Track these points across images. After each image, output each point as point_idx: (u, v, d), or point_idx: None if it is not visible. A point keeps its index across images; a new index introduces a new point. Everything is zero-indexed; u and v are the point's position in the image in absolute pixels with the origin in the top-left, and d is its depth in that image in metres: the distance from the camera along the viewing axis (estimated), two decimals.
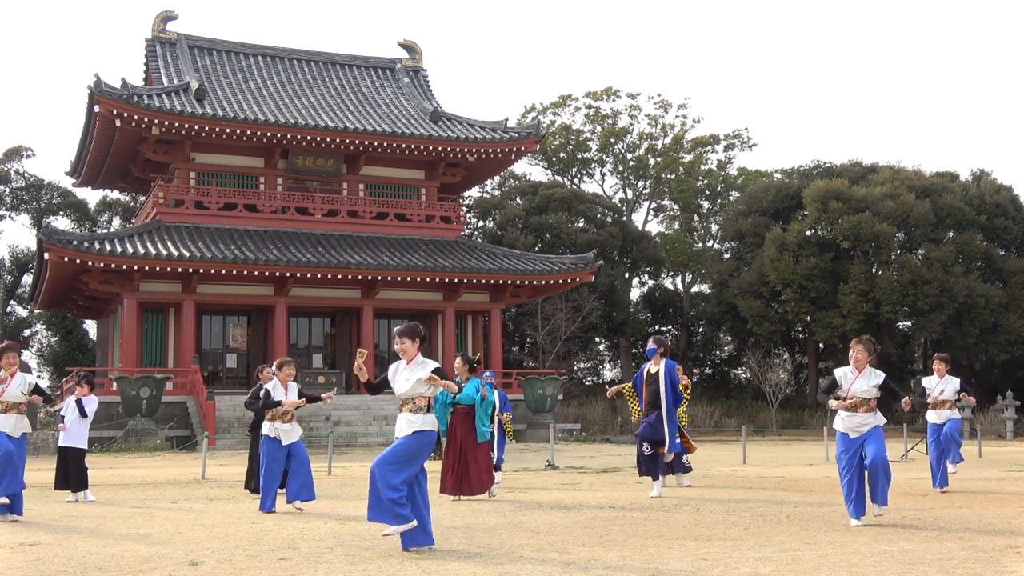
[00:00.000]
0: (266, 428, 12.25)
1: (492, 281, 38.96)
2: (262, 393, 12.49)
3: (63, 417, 14.47)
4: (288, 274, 35.98)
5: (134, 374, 33.03)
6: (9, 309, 54.70)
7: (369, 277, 37.01)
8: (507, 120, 42.30)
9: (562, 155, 61.50)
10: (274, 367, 12.68)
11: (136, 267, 34.27)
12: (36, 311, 51.04)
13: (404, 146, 39.08)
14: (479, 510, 11.85)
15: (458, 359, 13.86)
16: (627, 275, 56.08)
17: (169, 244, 35.34)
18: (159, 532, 9.99)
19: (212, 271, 35.06)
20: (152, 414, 31.91)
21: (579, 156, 61.81)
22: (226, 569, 7.53)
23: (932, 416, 14.69)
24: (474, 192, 54.21)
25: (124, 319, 36.12)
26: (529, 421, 35.86)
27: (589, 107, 61.48)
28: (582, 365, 57.07)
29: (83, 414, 14.26)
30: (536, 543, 8.84)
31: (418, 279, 37.44)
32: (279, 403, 12.19)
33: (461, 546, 8.66)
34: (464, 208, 45.04)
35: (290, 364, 12.59)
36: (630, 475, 17.69)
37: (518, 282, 39.53)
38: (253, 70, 42.71)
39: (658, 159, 61.36)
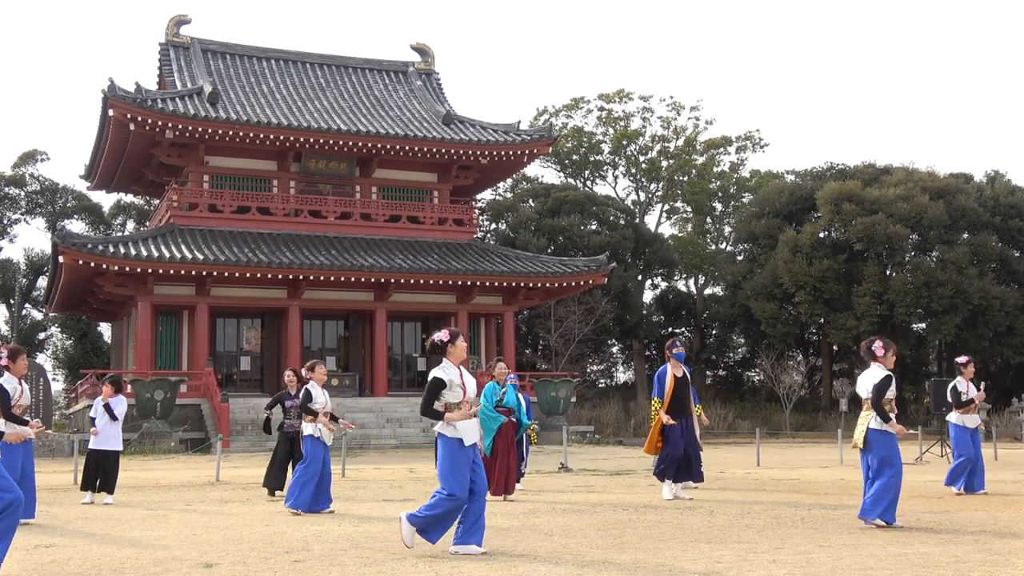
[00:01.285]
0: (309, 428, 12.49)
1: (505, 284, 38.98)
2: (302, 394, 12.78)
3: (93, 420, 14.40)
4: (301, 277, 36.06)
5: (148, 377, 33.14)
6: (24, 312, 54.96)
7: (382, 280, 37.03)
8: (519, 123, 42.31)
9: (574, 157, 61.45)
10: (304, 370, 12.91)
11: (150, 270, 34.40)
12: (51, 314, 51.29)
13: (416, 149, 39.13)
14: (492, 512, 11.83)
15: (501, 364, 14.26)
16: (640, 277, 56.00)
17: (183, 247, 35.46)
18: (173, 534, 10.03)
19: (226, 274, 35.16)
20: (166, 416, 32.01)
21: (591, 158, 61.76)
22: (240, 571, 7.55)
23: (958, 418, 14.60)
24: (487, 195, 54.26)
25: (138, 322, 36.25)
26: (542, 423, 35.85)
27: (601, 109, 61.45)
28: (595, 367, 57.02)
29: (112, 417, 14.27)
30: (549, 545, 8.84)
31: (431, 282, 37.49)
32: (312, 409, 12.44)
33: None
34: (477, 211, 45.08)
35: (321, 364, 12.89)
36: (643, 477, 17.67)
37: (531, 284, 39.54)
38: (266, 73, 42.81)
39: (671, 161, 61.25)
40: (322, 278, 36.17)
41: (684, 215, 64.19)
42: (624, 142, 60.77)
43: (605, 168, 62.72)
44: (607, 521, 10.79)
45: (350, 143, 38.44)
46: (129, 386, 32.90)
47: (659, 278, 59.15)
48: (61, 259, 33.62)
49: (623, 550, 8.53)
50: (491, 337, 41.75)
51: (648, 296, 58.53)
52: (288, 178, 39.61)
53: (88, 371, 39.03)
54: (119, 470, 14.47)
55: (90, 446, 14.36)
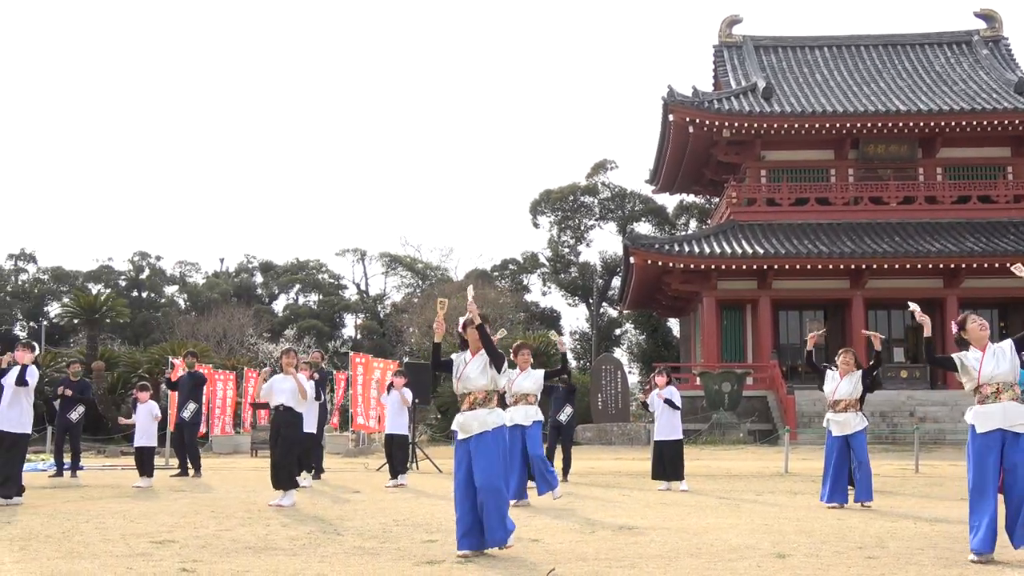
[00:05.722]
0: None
1: None
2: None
3: (653, 412, 15.36)
4: (864, 266, 35.19)
5: (715, 369, 34.23)
6: (602, 310, 59.47)
7: (952, 265, 35.02)
8: None
9: None
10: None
11: (713, 266, 35.56)
12: (625, 312, 54.94)
13: (985, 123, 36.47)
14: None
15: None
16: None
17: (743, 242, 36.18)
18: (745, 523, 10.26)
19: (786, 267, 35.34)
20: (734, 408, 32.82)
21: None
22: (812, 564, 7.53)
23: None
24: None
25: (704, 316, 37.59)
26: None
27: None
28: None
29: (674, 407, 15.07)
30: None
31: (1007, 265, 34.63)
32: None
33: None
34: None
35: (848, 353, 12.56)
36: None
37: None
38: (819, 62, 42.36)
39: None
40: (886, 266, 35.02)
41: None
42: None
43: None
44: None
45: (911, 124, 36.79)
46: (697, 378, 34.27)
47: None
48: (632, 260, 35.91)
49: None
50: None
51: None
52: (846, 166, 38.83)
53: (659, 364, 41.20)
54: (683, 457, 15.12)
55: (655, 438, 15.26)
